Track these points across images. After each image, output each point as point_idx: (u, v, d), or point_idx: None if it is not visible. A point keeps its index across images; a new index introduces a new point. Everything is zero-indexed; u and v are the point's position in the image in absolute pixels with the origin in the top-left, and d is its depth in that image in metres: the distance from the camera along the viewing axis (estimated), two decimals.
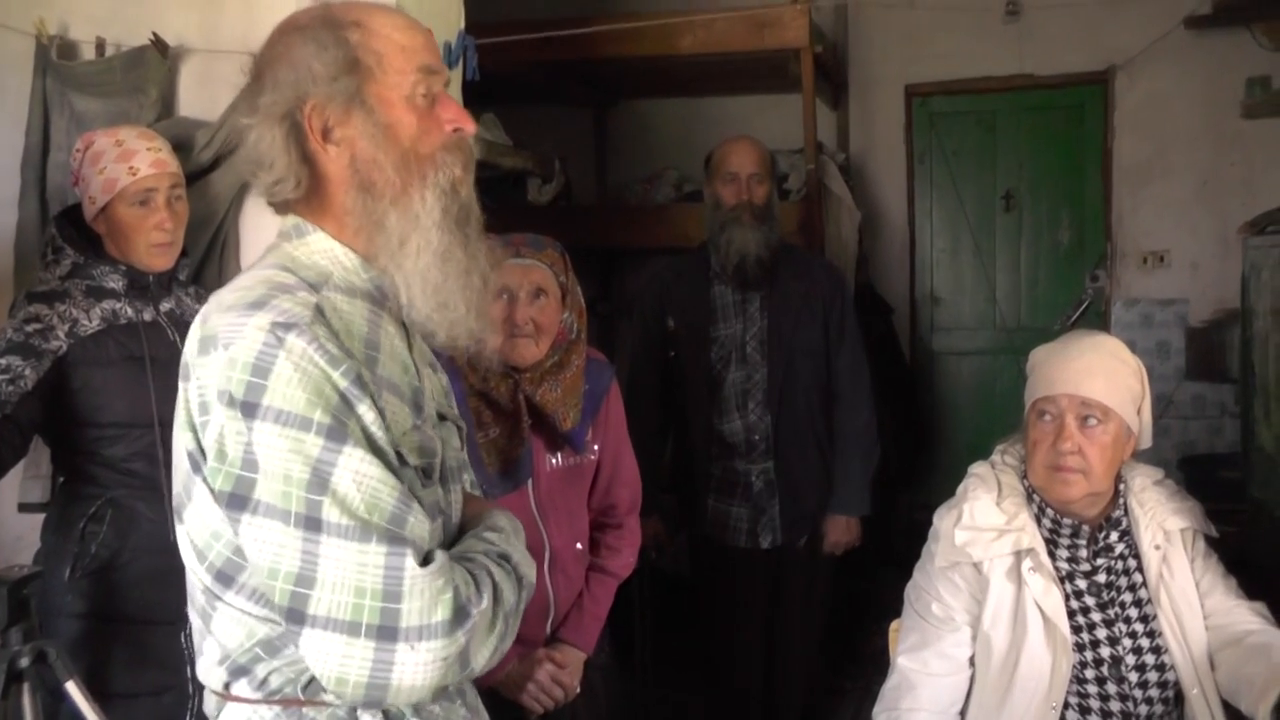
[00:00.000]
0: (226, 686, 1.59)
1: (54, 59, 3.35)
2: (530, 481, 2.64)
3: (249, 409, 1.44)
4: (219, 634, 1.58)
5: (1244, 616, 2.36)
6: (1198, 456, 5.76)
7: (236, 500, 1.46)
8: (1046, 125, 6.43)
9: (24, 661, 2.19)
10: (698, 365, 3.86)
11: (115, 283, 2.79)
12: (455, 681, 1.50)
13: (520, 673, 2.62)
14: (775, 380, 3.81)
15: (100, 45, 3.39)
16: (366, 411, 1.48)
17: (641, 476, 2.95)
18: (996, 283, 6.51)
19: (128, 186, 2.75)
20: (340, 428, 1.45)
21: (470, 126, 1.67)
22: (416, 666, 1.43)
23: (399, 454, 1.54)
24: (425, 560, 1.46)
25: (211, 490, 1.50)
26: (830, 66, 6.04)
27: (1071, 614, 2.36)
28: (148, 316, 2.82)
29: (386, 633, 1.42)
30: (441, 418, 1.77)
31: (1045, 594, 2.33)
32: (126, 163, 2.76)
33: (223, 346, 1.47)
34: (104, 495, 2.74)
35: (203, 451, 1.50)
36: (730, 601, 3.94)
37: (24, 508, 3.05)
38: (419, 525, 1.48)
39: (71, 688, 2.20)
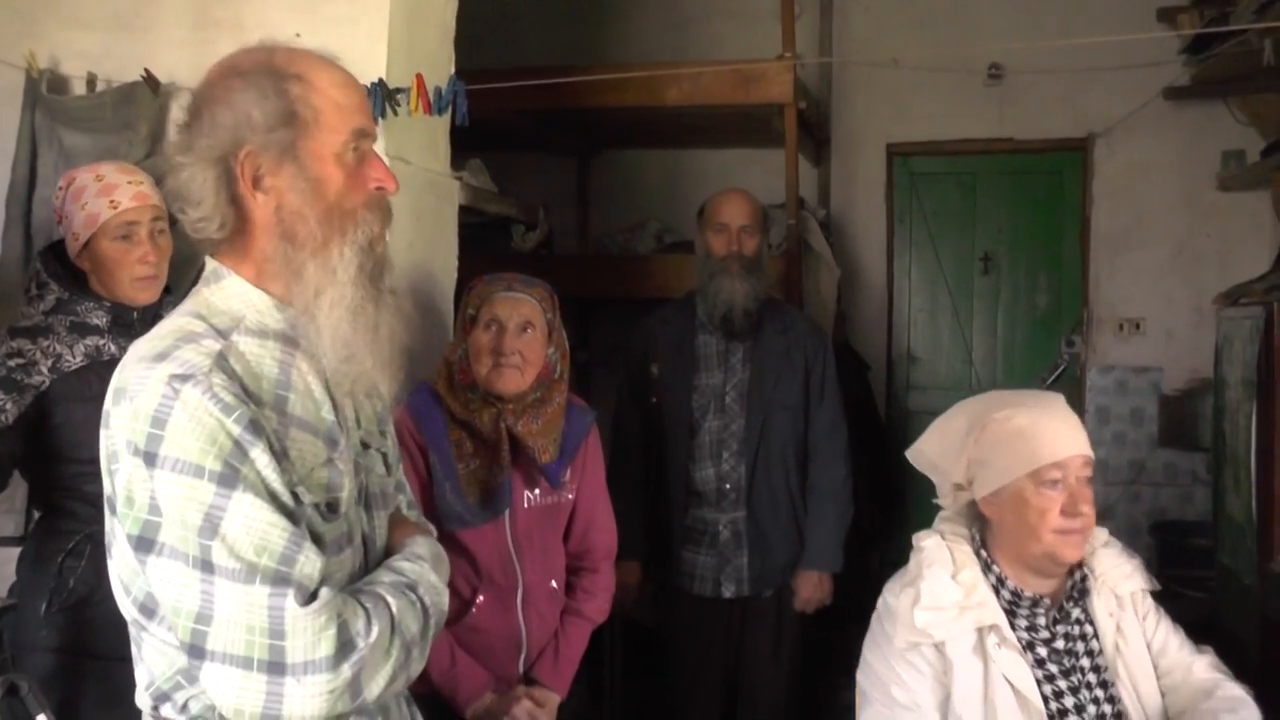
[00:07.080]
0: (155, 709, 1.67)
1: (44, 93, 3.36)
2: (507, 516, 2.67)
3: (150, 458, 1.52)
4: (148, 661, 1.66)
5: (1200, 672, 2.38)
6: (1168, 523, 5.80)
7: (144, 543, 1.55)
8: (1026, 189, 6.47)
9: None
10: (678, 412, 3.88)
11: (99, 319, 2.78)
12: (348, 710, 1.58)
13: (499, 709, 2.64)
14: (752, 431, 3.83)
15: (91, 81, 3.41)
16: (260, 455, 1.55)
17: (624, 522, 2.98)
18: (973, 344, 6.54)
19: (109, 220, 2.75)
20: (232, 474, 1.53)
21: (392, 186, 1.74)
22: (305, 699, 1.53)
23: (295, 494, 1.60)
24: (311, 598, 1.54)
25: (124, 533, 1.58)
26: (813, 123, 6.09)
27: (1038, 683, 2.32)
28: None
29: (276, 667, 1.52)
30: (365, 445, 1.83)
31: (1014, 668, 2.30)
32: (108, 196, 2.76)
33: (129, 399, 1.55)
34: (83, 531, 2.70)
35: (115, 496, 1.58)
36: (693, 651, 3.95)
37: None
38: (309, 564, 1.56)
39: None
